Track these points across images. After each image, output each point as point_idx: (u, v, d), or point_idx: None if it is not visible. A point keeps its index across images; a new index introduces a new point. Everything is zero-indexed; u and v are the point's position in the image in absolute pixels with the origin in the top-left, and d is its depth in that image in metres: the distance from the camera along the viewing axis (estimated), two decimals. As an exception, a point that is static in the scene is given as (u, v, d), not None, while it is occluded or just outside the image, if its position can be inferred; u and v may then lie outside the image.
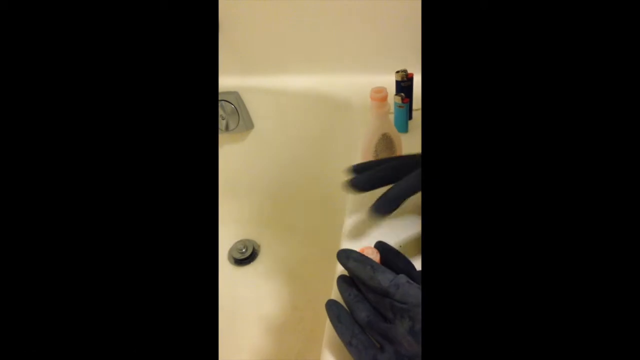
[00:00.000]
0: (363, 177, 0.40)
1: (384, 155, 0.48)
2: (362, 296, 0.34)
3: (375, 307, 0.33)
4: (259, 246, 0.80)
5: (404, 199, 0.38)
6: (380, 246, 0.37)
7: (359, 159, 0.51)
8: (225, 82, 0.72)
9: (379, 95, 0.43)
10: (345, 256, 0.35)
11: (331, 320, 0.34)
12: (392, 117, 0.55)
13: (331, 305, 0.34)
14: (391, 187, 0.38)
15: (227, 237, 0.80)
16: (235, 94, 0.72)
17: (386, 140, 0.47)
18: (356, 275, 0.34)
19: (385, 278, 0.32)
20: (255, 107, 0.73)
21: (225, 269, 0.76)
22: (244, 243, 0.80)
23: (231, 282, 0.73)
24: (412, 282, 0.32)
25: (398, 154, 0.49)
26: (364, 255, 0.34)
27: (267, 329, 0.65)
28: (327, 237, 0.41)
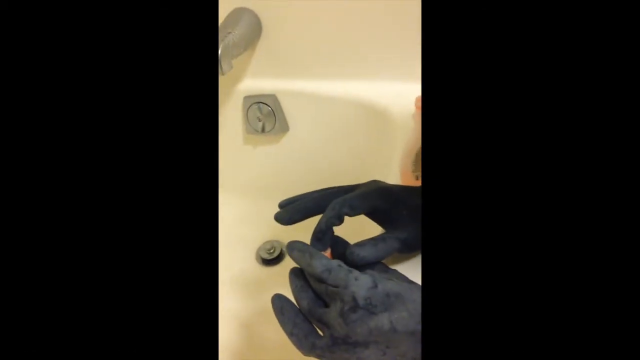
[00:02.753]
0: (285, 211, 0.41)
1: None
2: (307, 286, 0.35)
3: (318, 295, 0.34)
4: (286, 248, 0.81)
5: (328, 231, 0.39)
6: (332, 239, 0.40)
7: (396, 166, 0.52)
8: (264, 84, 0.74)
9: (424, 104, 0.44)
10: (290, 247, 0.37)
11: (275, 314, 0.35)
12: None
13: (274, 300, 0.36)
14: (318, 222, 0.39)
15: (256, 237, 0.81)
16: (272, 96, 0.73)
17: (427, 149, 0.47)
18: (298, 264, 0.36)
19: (320, 264, 0.33)
20: (291, 111, 0.74)
21: (253, 269, 0.77)
22: (272, 244, 0.81)
23: (259, 281, 0.74)
24: (343, 265, 0.33)
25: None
26: (306, 245, 0.37)
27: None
28: (355, 241, 0.41)
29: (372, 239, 0.39)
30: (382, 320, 0.30)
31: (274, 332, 0.65)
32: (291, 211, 0.41)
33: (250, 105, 0.75)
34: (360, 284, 0.32)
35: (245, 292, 0.70)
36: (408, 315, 0.31)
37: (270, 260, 0.78)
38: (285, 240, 0.85)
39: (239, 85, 0.75)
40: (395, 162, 0.54)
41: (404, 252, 0.41)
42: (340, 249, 0.40)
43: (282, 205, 0.43)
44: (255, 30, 0.67)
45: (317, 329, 0.34)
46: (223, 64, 0.57)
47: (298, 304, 0.35)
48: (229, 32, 0.61)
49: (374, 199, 0.40)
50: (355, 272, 0.33)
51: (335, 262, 0.34)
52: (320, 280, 0.33)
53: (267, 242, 0.81)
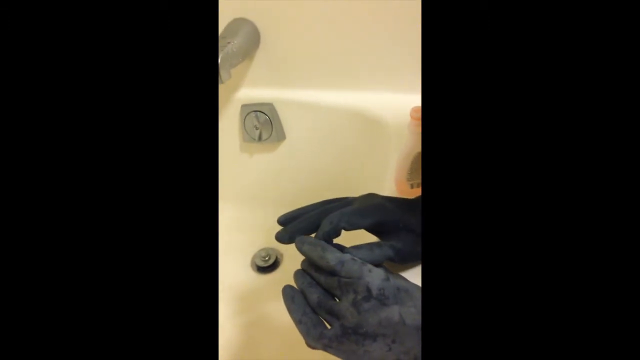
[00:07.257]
0: (284, 230, 0.42)
1: (418, 173, 0.49)
2: (315, 282, 0.37)
3: (327, 289, 0.36)
4: (281, 255, 0.81)
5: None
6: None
7: (391, 175, 0.53)
8: (261, 94, 0.75)
9: (419, 115, 0.45)
10: (301, 242, 0.38)
11: (285, 302, 0.36)
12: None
13: (286, 289, 0.37)
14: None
15: (252, 245, 0.81)
16: (270, 105, 0.74)
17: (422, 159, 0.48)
18: (309, 257, 0.37)
19: (333, 257, 0.35)
20: (288, 120, 0.75)
21: (249, 276, 0.77)
22: (267, 251, 0.81)
23: (254, 289, 0.74)
24: (356, 258, 0.35)
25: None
26: (316, 240, 0.38)
27: (289, 336, 0.65)
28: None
29: (368, 243, 0.40)
30: (393, 312, 0.31)
31: (269, 339, 0.65)
32: (291, 230, 0.42)
33: (247, 114, 0.76)
34: (374, 275, 0.33)
35: (241, 300, 0.70)
36: (416, 311, 0.32)
37: (266, 267, 0.78)
38: (281, 248, 0.85)
39: (236, 94, 0.76)
40: (390, 171, 0.55)
41: (397, 261, 0.41)
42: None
43: (280, 222, 0.44)
44: (253, 40, 0.69)
45: (325, 323, 0.34)
46: (222, 73, 0.58)
47: (306, 298, 0.36)
48: (228, 42, 0.62)
49: (370, 215, 0.41)
50: (369, 265, 0.34)
51: (348, 256, 0.35)
52: (333, 273, 0.34)
53: (262, 249, 0.82)
